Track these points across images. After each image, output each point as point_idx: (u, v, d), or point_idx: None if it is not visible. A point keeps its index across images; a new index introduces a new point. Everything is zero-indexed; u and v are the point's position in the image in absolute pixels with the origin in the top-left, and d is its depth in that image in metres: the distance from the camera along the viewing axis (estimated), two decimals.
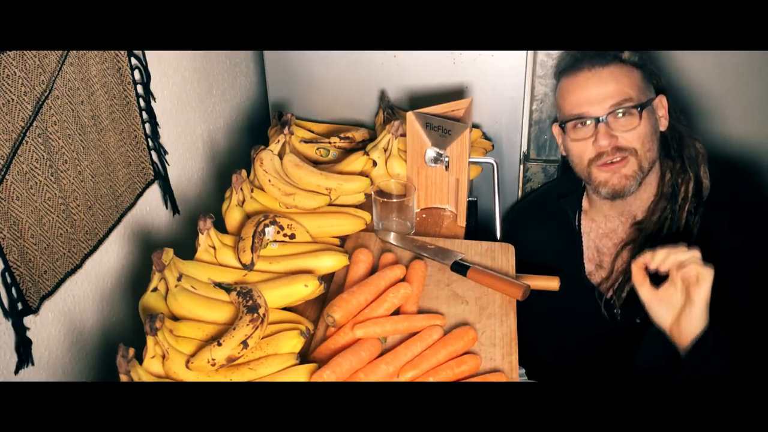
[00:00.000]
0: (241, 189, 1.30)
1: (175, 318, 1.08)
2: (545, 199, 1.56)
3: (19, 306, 0.96)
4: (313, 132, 1.61)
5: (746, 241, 1.29)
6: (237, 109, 1.70)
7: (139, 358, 0.97)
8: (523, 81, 1.59)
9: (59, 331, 1.06)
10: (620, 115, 1.27)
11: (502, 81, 1.59)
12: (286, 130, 1.41)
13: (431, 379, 1.02)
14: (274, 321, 1.08)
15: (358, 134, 1.57)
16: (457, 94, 1.61)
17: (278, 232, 1.24)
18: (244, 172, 1.30)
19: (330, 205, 1.36)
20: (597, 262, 1.41)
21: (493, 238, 1.46)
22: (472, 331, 1.09)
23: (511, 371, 1.05)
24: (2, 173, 0.91)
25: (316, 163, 1.47)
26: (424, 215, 1.44)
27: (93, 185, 1.12)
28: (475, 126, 1.64)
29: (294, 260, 1.21)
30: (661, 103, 1.33)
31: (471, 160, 1.42)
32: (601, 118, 1.27)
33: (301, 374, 1.00)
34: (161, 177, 1.32)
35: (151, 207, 1.31)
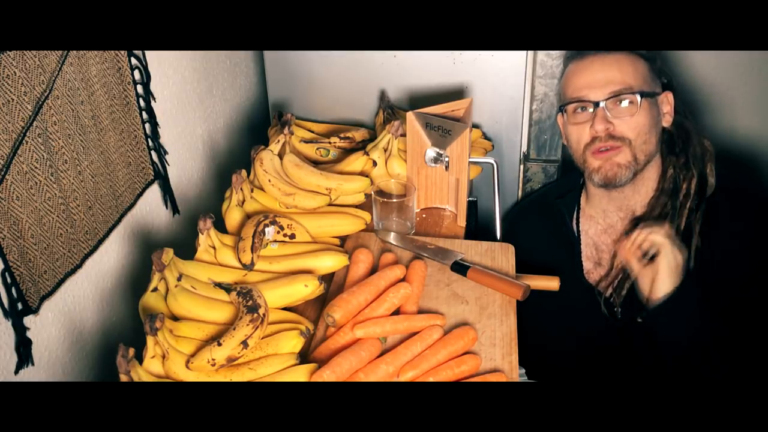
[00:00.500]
0: (241, 189, 1.30)
1: (175, 318, 1.08)
2: (543, 200, 1.56)
3: (19, 306, 0.96)
4: (313, 132, 1.61)
5: (751, 236, 1.29)
6: (237, 109, 1.70)
7: (139, 358, 0.97)
8: (523, 81, 1.59)
9: (59, 331, 1.06)
10: (620, 102, 1.27)
11: (502, 81, 1.59)
12: (286, 130, 1.41)
13: (431, 379, 1.02)
14: (274, 321, 1.08)
15: (358, 134, 1.57)
16: (457, 94, 1.61)
17: (278, 232, 1.24)
18: (244, 172, 1.30)
19: (330, 205, 1.36)
20: (596, 259, 1.41)
21: (493, 238, 1.46)
22: (472, 331, 1.09)
23: (511, 371, 1.05)
24: (2, 173, 0.91)
25: (316, 163, 1.47)
26: (424, 215, 1.44)
27: (93, 185, 1.12)
28: (475, 126, 1.64)
29: (294, 260, 1.21)
30: (667, 99, 1.33)
31: (471, 160, 1.42)
32: (600, 103, 1.27)
33: (301, 374, 1.00)
34: (161, 177, 1.32)
35: (151, 207, 1.31)
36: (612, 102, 1.27)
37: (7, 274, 0.94)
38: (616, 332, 1.35)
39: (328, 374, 0.99)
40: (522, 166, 1.70)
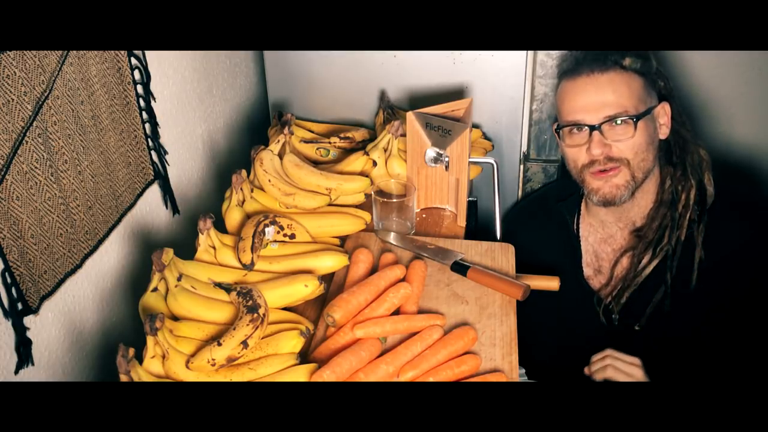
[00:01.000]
0: (241, 189, 1.30)
1: (175, 318, 1.08)
2: (544, 201, 1.56)
3: (19, 306, 0.96)
4: (313, 132, 1.61)
5: (751, 245, 1.29)
6: (237, 109, 1.70)
7: (139, 358, 0.97)
8: (523, 81, 1.59)
9: (59, 331, 1.06)
10: (615, 123, 1.26)
11: (502, 81, 1.59)
12: (286, 130, 1.41)
13: (431, 379, 1.02)
14: (274, 321, 1.08)
15: (358, 134, 1.57)
16: (457, 94, 1.61)
17: (278, 232, 1.24)
18: (244, 172, 1.30)
19: (330, 205, 1.36)
20: (596, 267, 1.41)
21: (493, 238, 1.46)
22: (472, 331, 1.09)
23: (511, 371, 1.05)
24: (2, 173, 0.91)
25: (316, 163, 1.47)
26: (424, 215, 1.44)
27: (93, 185, 1.12)
28: (475, 126, 1.64)
29: (294, 260, 1.21)
30: (664, 111, 1.31)
31: (471, 160, 1.42)
32: (596, 127, 1.26)
33: (301, 374, 1.00)
34: (161, 177, 1.32)
35: (151, 207, 1.31)
36: (608, 125, 1.26)
37: (7, 274, 0.94)
38: (614, 336, 1.35)
39: (328, 374, 0.99)
40: (522, 166, 1.70)
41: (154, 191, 1.31)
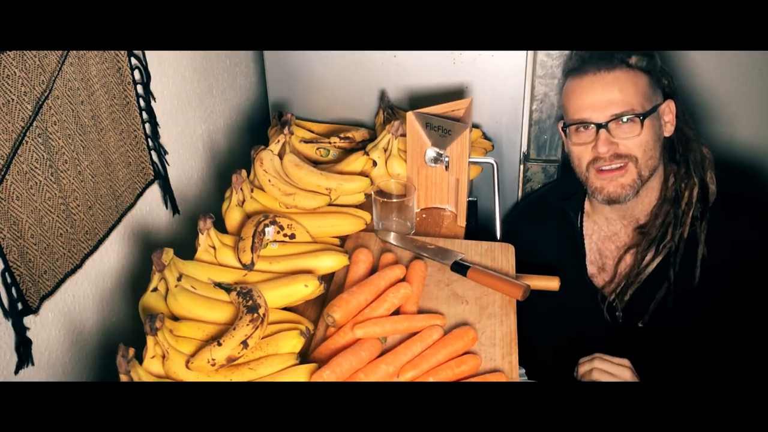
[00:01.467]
0: (241, 189, 1.30)
1: (175, 318, 1.08)
2: (547, 200, 1.56)
3: (19, 306, 0.96)
4: (313, 132, 1.61)
5: (754, 242, 1.29)
6: (237, 109, 1.70)
7: (139, 358, 0.97)
8: (523, 81, 1.59)
9: (59, 331, 1.06)
10: (622, 121, 1.26)
11: (502, 81, 1.59)
12: (286, 130, 1.41)
13: (431, 379, 1.02)
14: (274, 321, 1.08)
15: (358, 134, 1.56)
16: (457, 94, 1.61)
17: (278, 232, 1.24)
18: (244, 172, 1.30)
19: (330, 205, 1.36)
20: (599, 264, 1.41)
21: (493, 238, 1.46)
22: (472, 331, 1.09)
23: (511, 371, 1.05)
24: (2, 173, 0.91)
25: (316, 163, 1.47)
26: (424, 215, 1.44)
27: (93, 185, 1.12)
28: (475, 126, 1.64)
29: (294, 260, 1.21)
30: (669, 108, 1.32)
31: (471, 160, 1.42)
32: (602, 125, 1.27)
33: (301, 374, 1.00)
34: (161, 177, 1.32)
35: (151, 207, 1.31)
36: (615, 123, 1.27)
37: (7, 274, 0.94)
38: (616, 334, 1.35)
39: (328, 374, 0.99)
40: (522, 166, 1.70)
41: (154, 191, 1.31)
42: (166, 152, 1.33)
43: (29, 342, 0.99)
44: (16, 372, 0.97)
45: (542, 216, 1.52)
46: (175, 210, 1.38)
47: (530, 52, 1.57)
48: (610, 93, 1.27)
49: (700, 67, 1.64)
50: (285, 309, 1.14)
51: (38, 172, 0.98)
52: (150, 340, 0.99)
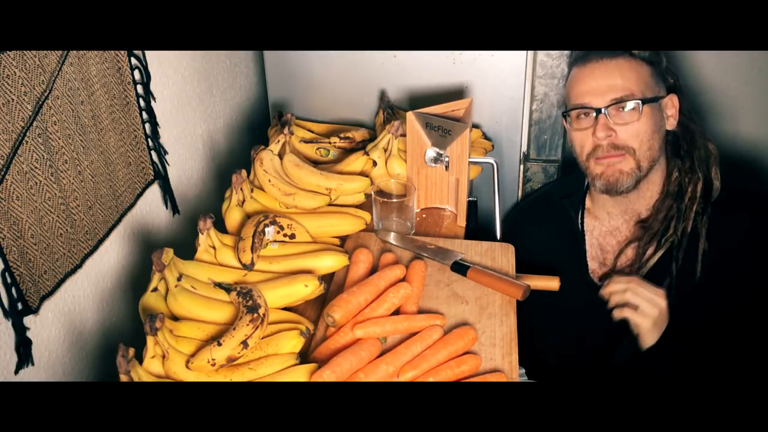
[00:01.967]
0: (241, 189, 1.30)
1: (175, 318, 1.08)
2: (547, 199, 1.56)
3: (19, 306, 0.96)
4: (313, 132, 1.61)
5: (757, 238, 1.29)
6: (237, 109, 1.70)
7: (139, 358, 0.97)
8: (523, 81, 1.59)
9: (59, 331, 1.06)
10: (622, 109, 1.27)
11: (502, 81, 1.59)
12: (286, 130, 1.41)
13: (431, 379, 1.02)
14: (274, 321, 1.08)
15: (358, 134, 1.57)
16: (457, 94, 1.61)
17: (278, 232, 1.24)
18: (244, 172, 1.30)
19: (330, 205, 1.36)
20: (600, 260, 1.42)
21: (493, 238, 1.46)
22: (472, 331, 1.09)
23: (511, 371, 1.05)
24: (2, 173, 0.91)
25: (316, 163, 1.47)
26: (424, 215, 1.44)
27: (93, 185, 1.12)
28: (475, 126, 1.64)
29: (294, 260, 1.21)
30: (672, 102, 1.33)
31: (471, 160, 1.42)
32: (602, 110, 1.27)
33: (301, 374, 1.00)
34: (161, 177, 1.32)
35: (151, 207, 1.31)
36: (614, 108, 1.27)
37: (7, 274, 0.94)
38: (617, 330, 1.35)
39: (328, 374, 0.99)
40: (522, 166, 1.70)
41: (154, 191, 1.32)
42: (166, 152, 1.33)
43: (29, 342, 0.99)
44: (16, 372, 0.97)
45: (543, 215, 1.53)
46: (175, 210, 1.38)
47: (530, 52, 1.57)
48: (611, 79, 1.28)
49: (703, 66, 1.65)
50: (285, 309, 1.14)
51: (38, 172, 0.98)
52: (150, 340, 0.99)
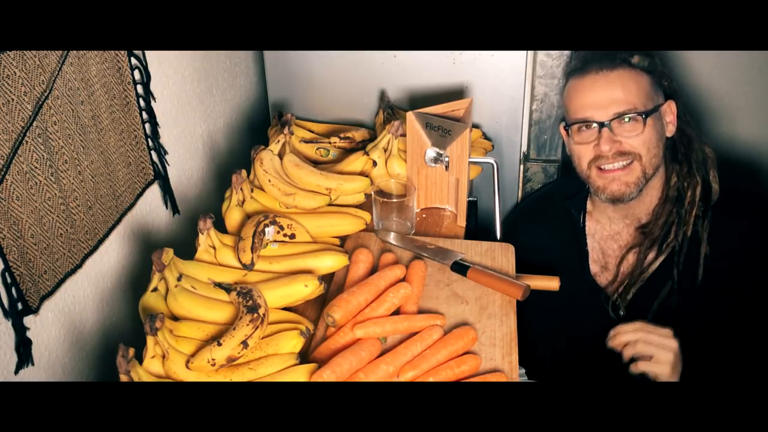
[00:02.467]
0: (241, 189, 1.30)
1: (175, 318, 1.08)
2: (549, 200, 1.56)
3: (19, 306, 0.96)
4: (313, 132, 1.61)
5: (757, 240, 1.29)
6: (237, 109, 1.70)
7: (139, 358, 0.97)
8: (523, 81, 1.59)
9: (59, 331, 1.06)
10: (625, 120, 1.27)
11: (502, 81, 1.59)
12: (286, 130, 1.41)
13: (431, 379, 1.02)
14: (274, 321, 1.08)
15: (358, 134, 1.57)
16: (457, 94, 1.61)
17: (278, 232, 1.24)
18: (244, 172, 1.30)
19: (330, 205, 1.36)
20: (602, 263, 1.42)
21: (493, 238, 1.46)
22: (472, 331, 1.09)
23: (511, 371, 1.05)
24: (2, 173, 0.91)
25: (316, 163, 1.47)
26: (424, 215, 1.44)
27: (93, 185, 1.12)
28: (475, 126, 1.64)
29: (294, 260, 1.21)
30: (670, 109, 1.32)
31: (471, 160, 1.42)
32: (604, 123, 1.27)
33: (301, 374, 1.00)
34: (161, 177, 1.32)
35: (151, 207, 1.31)
36: (617, 122, 1.27)
37: (7, 274, 0.94)
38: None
39: (328, 374, 0.99)
40: (522, 166, 1.70)
41: (154, 191, 1.32)
42: (166, 152, 1.33)
43: (29, 342, 0.99)
44: (16, 372, 0.97)
45: (544, 215, 1.53)
46: (175, 210, 1.38)
47: (530, 52, 1.57)
48: (612, 92, 1.27)
49: (700, 67, 1.65)
50: (285, 309, 1.14)
51: (38, 172, 0.98)
52: (150, 340, 0.99)
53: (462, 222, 1.41)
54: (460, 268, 1.23)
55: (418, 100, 1.62)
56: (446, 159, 1.35)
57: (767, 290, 1.29)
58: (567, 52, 1.51)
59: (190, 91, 1.45)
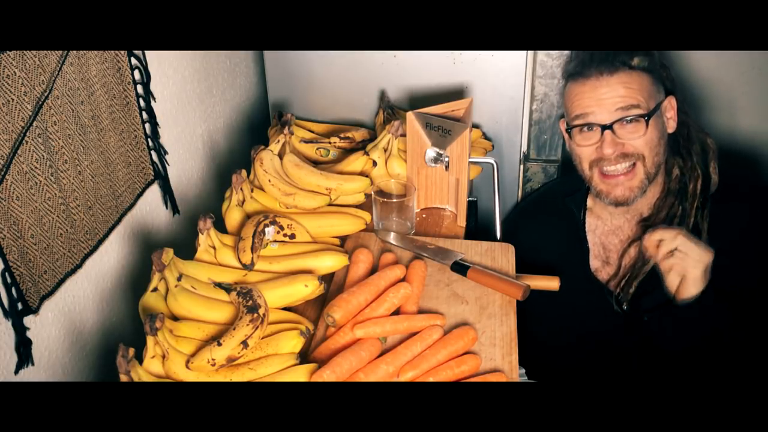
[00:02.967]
0: (241, 189, 1.30)
1: (175, 318, 1.08)
2: (549, 199, 1.56)
3: (19, 306, 0.96)
4: (313, 132, 1.61)
5: (757, 231, 1.29)
6: (237, 109, 1.71)
7: (139, 358, 0.97)
8: (523, 81, 1.59)
9: (59, 331, 1.06)
10: (627, 122, 1.27)
11: (502, 81, 1.59)
12: (286, 130, 1.41)
13: (431, 379, 1.02)
14: (274, 321, 1.08)
15: (358, 134, 1.57)
16: (457, 94, 1.61)
17: (278, 232, 1.24)
18: (244, 172, 1.30)
19: (330, 205, 1.36)
20: (603, 258, 1.42)
21: (493, 238, 1.47)
22: (472, 331, 1.09)
23: (511, 371, 1.05)
24: (2, 173, 0.92)
25: (316, 163, 1.47)
26: (424, 215, 1.44)
27: (93, 185, 1.12)
28: (475, 126, 1.64)
29: (294, 260, 1.21)
30: (670, 104, 1.32)
31: (471, 160, 1.42)
32: (607, 126, 1.27)
33: (301, 374, 1.00)
34: (161, 177, 1.32)
35: (151, 207, 1.31)
36: (619, 124, 1.27)
37: (7, 274, 0.94)
38: (620, 330, 1.35)
39: (328, 374, 0.99)
40: (522, 166, 1.70)
41: (154, 191, 1.32)
42: (166, 152, 1.33)
43: (29, 342, 0.99)
44: (16, 372, 0.97)
45: (544, 213, 1.53)
46: (175, 210, 1.38)
47: (530, 52, 1.57)
48: (614, 95, 1.27)
49: (700, 59, 1.64)
50: (285, 309, 1.14)
51: (38, 172, 0.98)
52: (150, 340, 0.99)
53: (462, 222, 1.41)
54: (460, 268, 1.23)
55: (418, 100, 1.62)
56: (446, 159, 1.35)
57: (766, 280, 1.29)
58: (567, 52, 1.51)
59: (190, 91, 1.45)
